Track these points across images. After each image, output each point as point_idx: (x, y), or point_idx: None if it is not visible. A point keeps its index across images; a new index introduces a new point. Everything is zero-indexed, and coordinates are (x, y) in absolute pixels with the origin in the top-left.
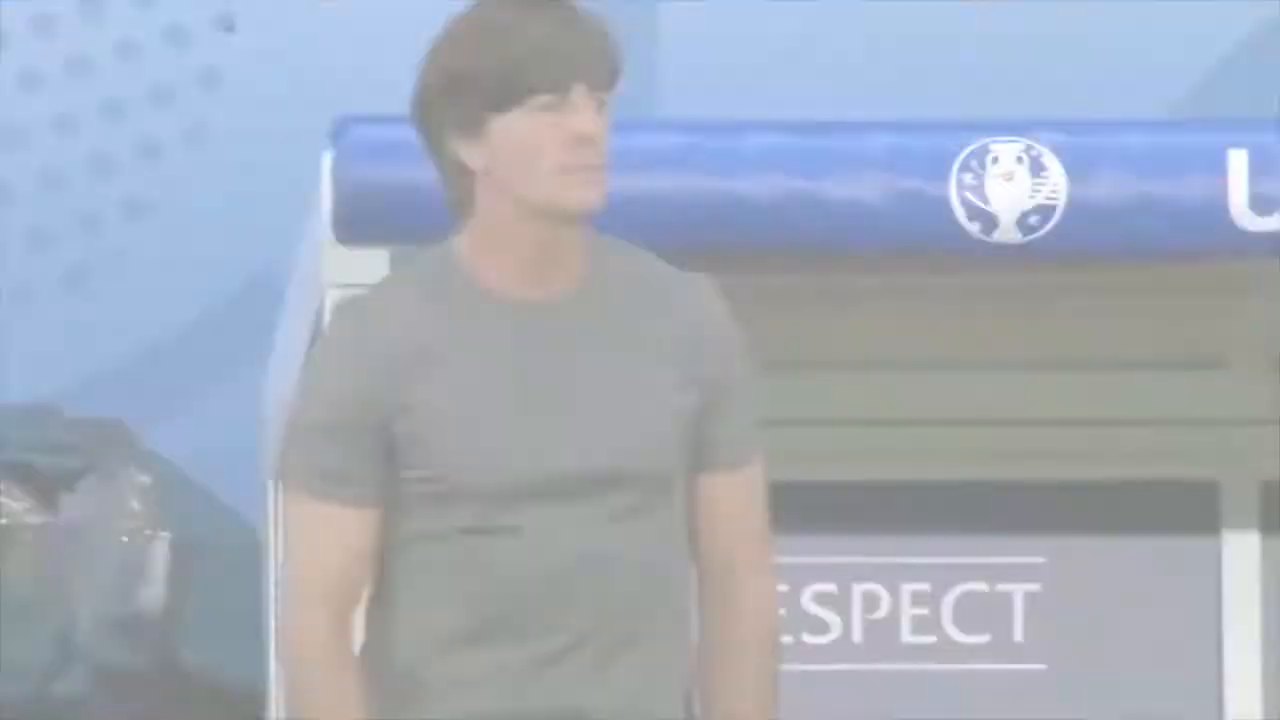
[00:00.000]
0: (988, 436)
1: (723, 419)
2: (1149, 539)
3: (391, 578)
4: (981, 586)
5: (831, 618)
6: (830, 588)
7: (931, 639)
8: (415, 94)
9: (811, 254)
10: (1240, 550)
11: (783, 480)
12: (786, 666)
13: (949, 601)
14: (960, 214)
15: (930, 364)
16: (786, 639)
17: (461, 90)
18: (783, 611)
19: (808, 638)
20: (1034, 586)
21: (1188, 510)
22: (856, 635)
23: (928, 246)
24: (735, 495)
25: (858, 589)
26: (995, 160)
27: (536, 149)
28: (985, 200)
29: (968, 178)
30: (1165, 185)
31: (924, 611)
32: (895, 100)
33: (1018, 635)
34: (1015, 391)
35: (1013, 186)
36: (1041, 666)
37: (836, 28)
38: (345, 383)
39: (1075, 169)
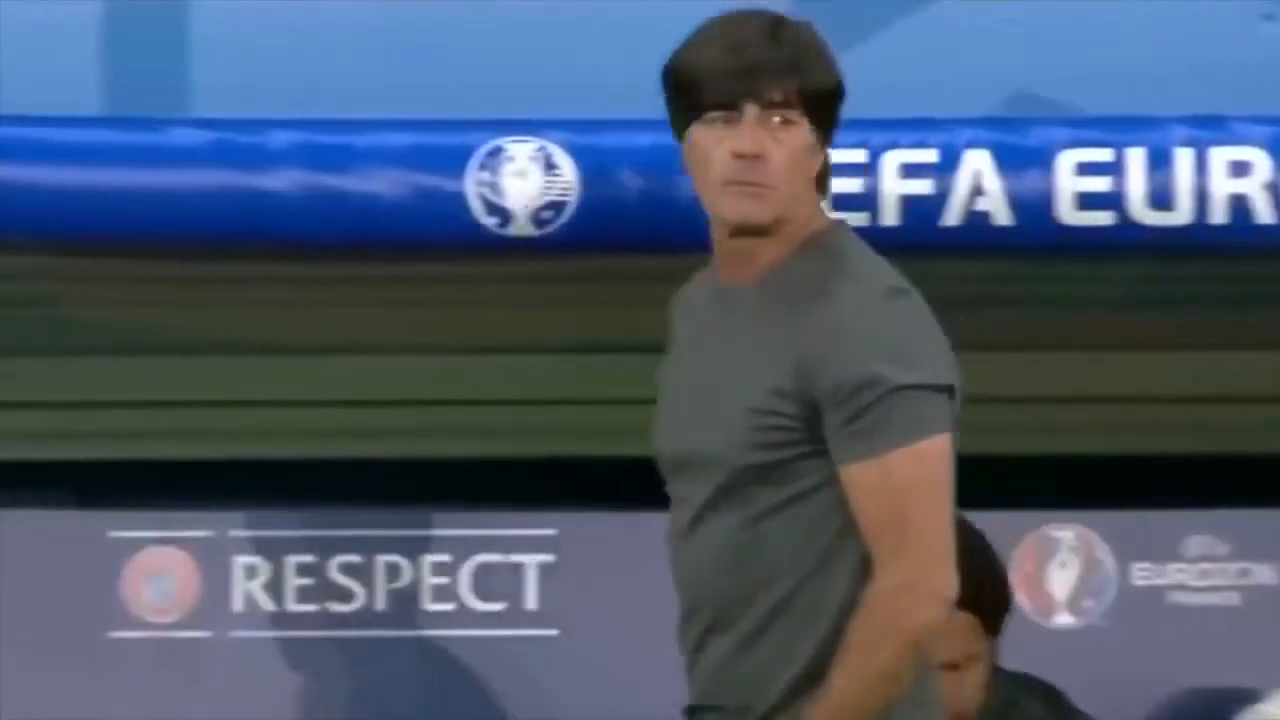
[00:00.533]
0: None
1: (836, 419)
2: None
3: None
4: (497, 558)
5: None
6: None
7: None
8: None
9: (335, 247)
10: None
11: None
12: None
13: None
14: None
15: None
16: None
17: (669, 101)
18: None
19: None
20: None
21: None
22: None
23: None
24: (859, 490)
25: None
26: (511, 159)
27: (707, 162)
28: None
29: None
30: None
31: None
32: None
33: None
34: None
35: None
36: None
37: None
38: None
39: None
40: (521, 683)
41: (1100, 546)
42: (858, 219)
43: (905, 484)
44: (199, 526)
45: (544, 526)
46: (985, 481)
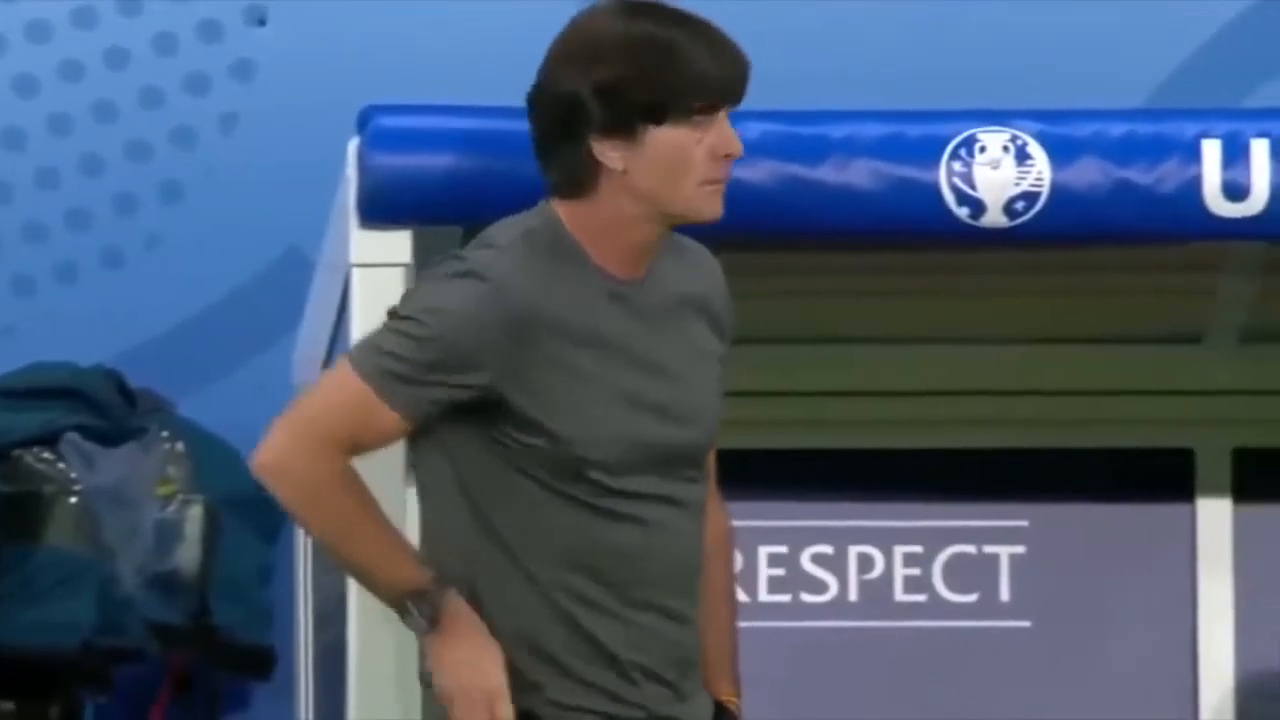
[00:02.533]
0: (977, 406)
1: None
2: (1127, 504)
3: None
4: (970, 549)
5: (828, 578)
6: (827, 549)
7: (923, 598)
8: (554, 90)
9: (808, 237)
10: (1213, 515)
11: (793, 447)
12: (791, 623)
13: (939, 562)
14: (949, 199)
15: (925, 338)
16: (785, 598)
17: (618, 98)
18: (783, 571)
19: (806, 597)
20: (1019, 549)
21: (1164, 477)
22: (852, 594)
23: (919, 229)
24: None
25: (853, 551)
26: (983, 149)
27: (685, 162)
28: (973, 186)
29: (956, 165)
30: (1141, 172)
31: (916, 572)
32: (888, 91)
33: (1004, 595)
34: (1005, 365)
35: (999, 174)
36: (1026, 624)
37: (840, 20)
38: (470, 331)
39: (1058, 156)
40: (993, 675)
41: None
42: None
43: None
44: None
45: (1016, 518)
46: None
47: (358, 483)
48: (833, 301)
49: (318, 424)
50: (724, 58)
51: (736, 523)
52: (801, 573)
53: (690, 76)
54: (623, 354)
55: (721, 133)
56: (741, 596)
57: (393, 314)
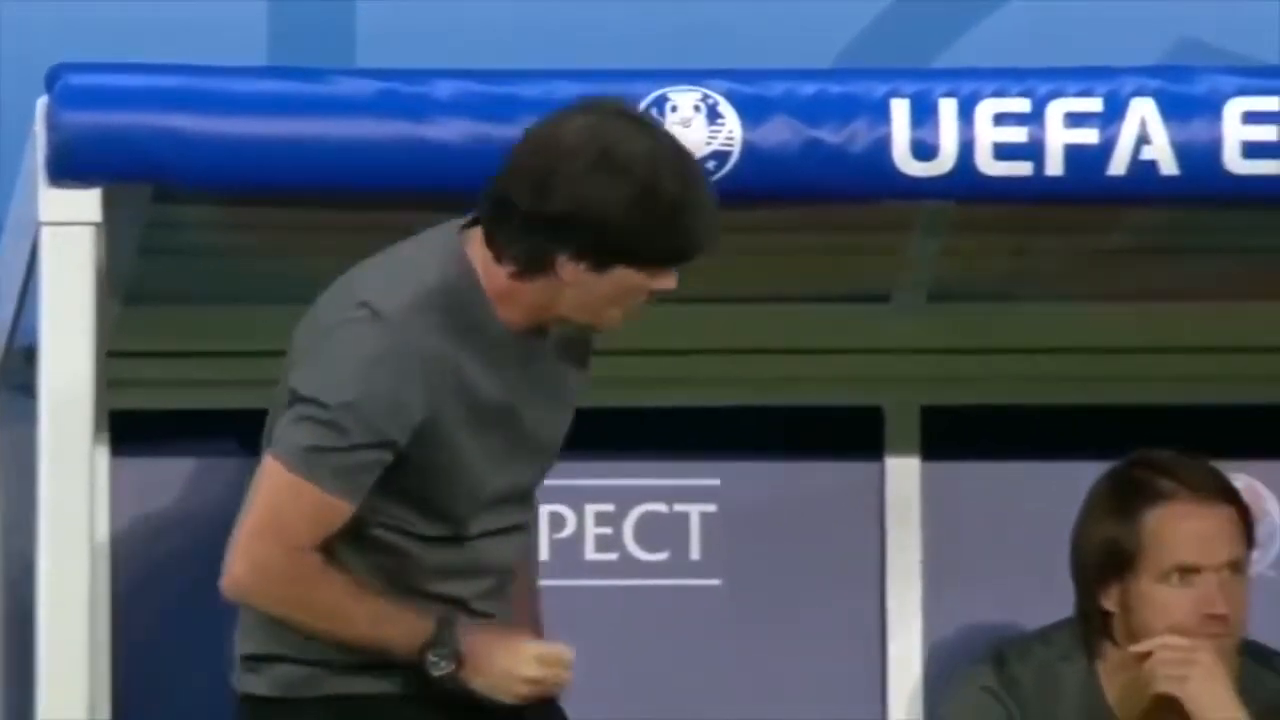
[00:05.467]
0: (667, 365)
1: None
2: (817, 462)
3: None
4: (661, 507)
5: None
6: None
7: (614, 556)
8: (559, 204)
9: None
10: (902, 472)
11: None
12: None
13: (630, 521)
14: None
15: None
16: None
17: (611, 238)
18: None
19: None
20: (710, 507)
21: (853, 435)
22: (544, 553)
23: None
24: None
25: (545, 510)
26: (674, 109)
27: (628, 295)
28: None
29: None
30: (831, 131)
31: (607, 530)
32: (578, 51)
33: (694, 553)
34: (696, 324)
35: (690, 133)
36: (716, 582)
37: None
38: (402, 399)
39: (749, 116)
40: (684, 633)
41: (1268, 496)
42: (1021, 168)
43: None
44: None
45: (706, 476)
46: (1155, 430)
47: (329, 570)
48: None
49: (283, 535)
50: (711, 222)
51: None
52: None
53: (684, 243)
54: (505, 411)
55: (671, 278)
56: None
57: (306, 400)
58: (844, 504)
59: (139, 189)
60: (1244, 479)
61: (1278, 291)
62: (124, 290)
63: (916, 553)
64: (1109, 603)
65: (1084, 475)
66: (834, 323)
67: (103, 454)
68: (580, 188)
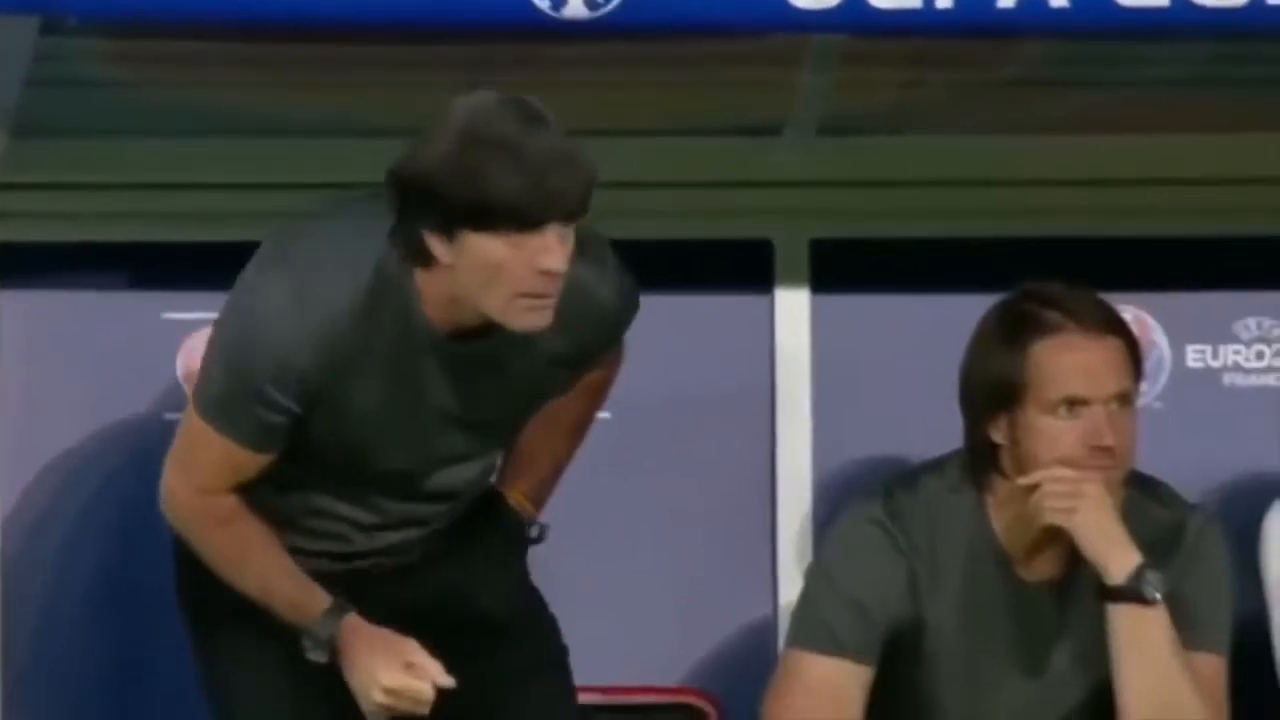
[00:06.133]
0: None
1: None
2: (707, 295)
3: None
4: None
5: None
6: None
7: None
8: (404, 169)
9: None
10: (791, 306)
11: None
12: None
13: None
14: None
15: None
16: None
17: (443, 198)
18: None
19: None
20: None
21: (743, 268)
22: None
23: (499, 21)
24: None
25: None
26: None
27: (500, 272)
28: None
29: None
30: None
31: None
32: None
33: None
34: (594, 156)
35: None
36: (607, 415)
37: None
38: (293, 361)
39: None
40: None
41: (1155, 328)
42: (912, 1)
43: None
44: None
45: None
46: (1043, 263)
47: (240, 520)
48: (426, 95)
49: (192, 474)
50: (538, 180)
51: None
52: None
53: (508, 192)
54: (415, 399)
55: (543, 247)
56: None
57: (219, 350)
58: (734, 337)
59: (25, 21)
60: (1132, 311)
61: (1166, 124)
62: (10, 123)
63: (806, 386)
64: (997, 435)
65: (972, 308)
66: (724, 156)
67: None
68: (416, 152)
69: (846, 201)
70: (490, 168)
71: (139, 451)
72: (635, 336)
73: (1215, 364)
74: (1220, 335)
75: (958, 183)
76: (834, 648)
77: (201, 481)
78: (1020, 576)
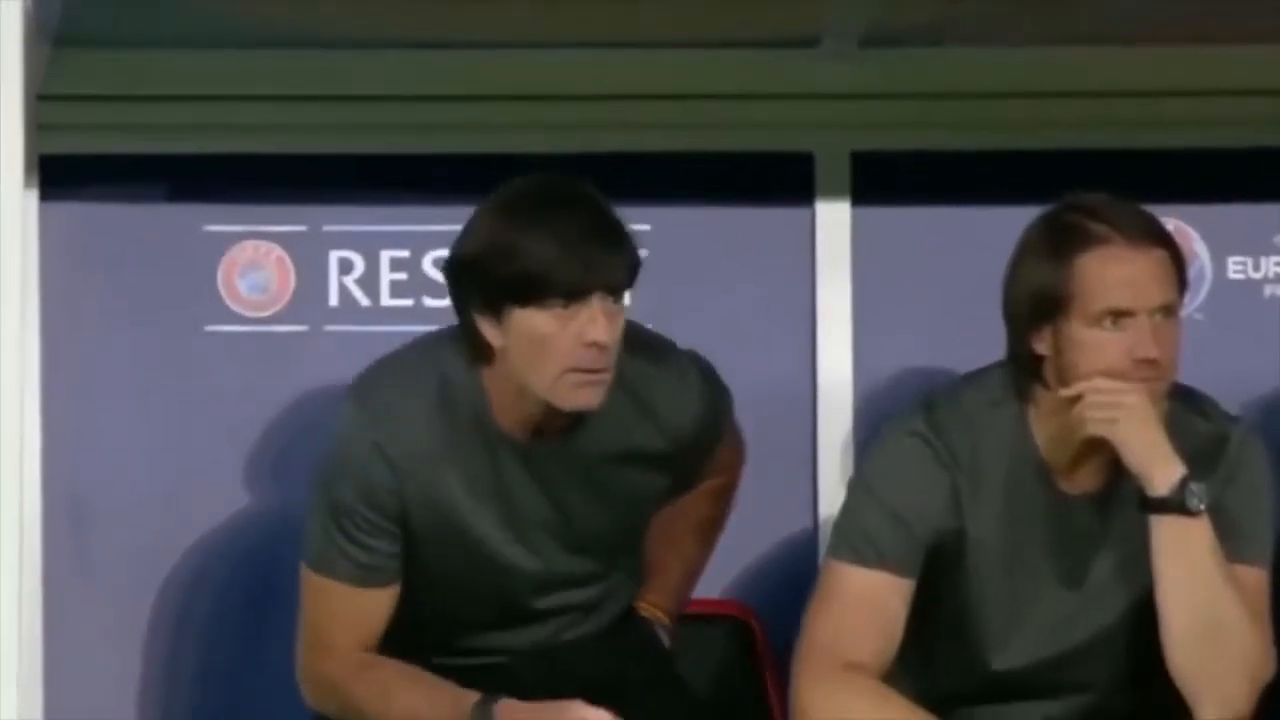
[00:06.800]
0: (595, 110)
1: None
2: (748, 208)
3: None
4: None
5: None
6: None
7: None
8: (453, 252)
9: None
10: (832, 218)
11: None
12: (413, 327)
13: None
14: None
15: (545, 42)
16: (408, 302)
17: (487, 276)
18: (404, 276)
19: (429, 301)
20: (641, 254)
21: (784, 181)
22: None
23: None
24: None
25: None
26: None
27: (546, 348)
28: None
29: None
30: None
31: None
32: None
33: (626, 299)
34: (620, 69)
35: None
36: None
37: None
38: (375, 472)
39: None
40: None
41: (1196, 240)
42: None
43: None
44: (294, 221)
45: (637, 222)
46: (1086, 175)
47: (375, 664)
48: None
49: (323, 641)
50: (578, 249)
51: (362, 227)
52: (423, 277)
53: (545, 261)
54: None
55: (588, 319)
56: (364, 301)
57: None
58: (775, 251)
59: None
60: (1173, 222)
61: (1210, 34)
62: (53, 34)
63: (847, 299)
64: (1041, 347)
65: (1016, 221)
66: (764, 67)
67: (32, 198)
68: (463, 233)
69: (888, 114)
70: (530, 237)
71: (180, 364)
72: (675, 251)
73: (1256, 275)
74: (1262, 247)
75: (1000, 94)
76: (875, 560)
77: (333, 643)
78: (1062, 489)
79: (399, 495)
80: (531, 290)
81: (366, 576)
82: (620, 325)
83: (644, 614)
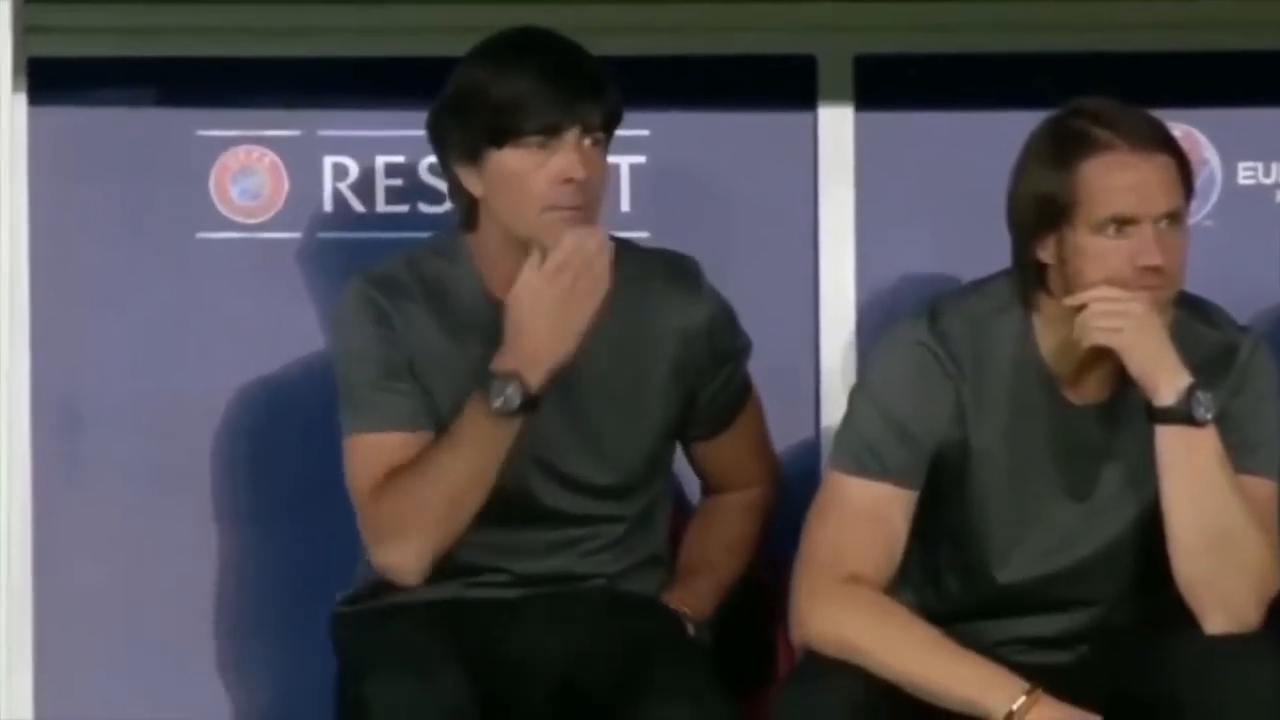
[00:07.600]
0: (595, 13)
1: None
2: (749, 112)
3: None
4: None
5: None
6: None
7: None
8: (432, 111)
9: None
10: (835, 122)
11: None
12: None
13: None
14: None
15: None
16: (403, 208)
17: (464, 119)
18: (400, 182)
19: (424, 207)
20: (640, 159)
21: (786, 84)
22: None
23: None
24: None
25: None
26: None
27: (524, 186)
28: None
29: None
30: None
31: None
32: None
33: (625, 205)
34: None
35: None
36: (646, 234)
37: None
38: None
39: None
40: None
41: (1206, 145)
42: None
43: None
44: (288, 125)
45: (636, 127)
46: (1093, 79)
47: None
48: None
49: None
50: (550, 84)
51: (357, 132)
52: (419, 183)
53: (517, 98)
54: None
55: (566, 156)
56: (359, 208)
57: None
58: (776, 155)
59: None
60: (1182, 128)
61: None
62: None
63: (850, 204)
64: (1045, 254)
65: (1021, 126)
66: None
67: (21, 103)
68: (441, 94)
69: (891, 17)
70: (504, 75)
71: (172, 271)
72: (675, 156)
73: (1267, 181)
74: (1272, 152)
75: None
76: (877, 470)
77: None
78: (1067, 398)
79: (395, 335)
80: (507, 127)
81: (400, 420)
82: (601, 170)
83: (671, 605)
